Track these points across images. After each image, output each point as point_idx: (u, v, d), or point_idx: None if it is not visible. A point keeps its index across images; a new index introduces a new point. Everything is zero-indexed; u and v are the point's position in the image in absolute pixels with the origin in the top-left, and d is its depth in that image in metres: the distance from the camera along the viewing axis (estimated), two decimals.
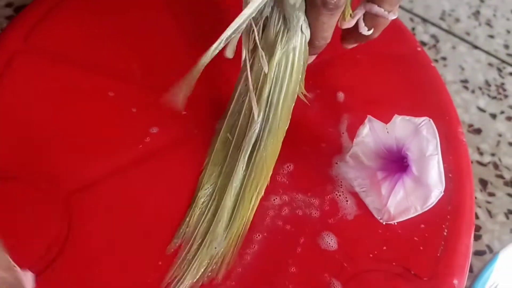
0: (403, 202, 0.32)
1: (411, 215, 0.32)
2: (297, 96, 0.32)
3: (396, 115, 0.33)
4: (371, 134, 0.34)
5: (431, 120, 0.32)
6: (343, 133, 0.37)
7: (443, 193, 0.32)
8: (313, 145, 0.35)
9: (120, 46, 0.38)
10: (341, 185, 0.34)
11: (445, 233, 0.33)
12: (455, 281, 0.31)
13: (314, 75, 0.39)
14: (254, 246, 0.30)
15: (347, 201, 0.33)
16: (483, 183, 0.54)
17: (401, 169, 0.33)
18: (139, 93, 0.36)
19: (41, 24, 0.38)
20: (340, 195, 0.33)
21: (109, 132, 0.34)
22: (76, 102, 0.35)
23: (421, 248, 0.32)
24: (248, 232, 0.31)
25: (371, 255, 0.31)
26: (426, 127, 0.32)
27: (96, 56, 0.37)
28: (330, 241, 0.31)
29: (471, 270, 0.42)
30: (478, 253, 0.49)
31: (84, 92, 0.36)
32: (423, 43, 0.63)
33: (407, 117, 0.33)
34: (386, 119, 0.34)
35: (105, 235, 0.29)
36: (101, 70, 0.37)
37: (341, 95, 0.38)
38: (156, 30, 0.40)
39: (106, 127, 0.34)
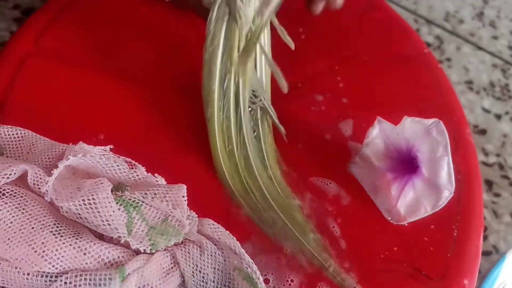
0: (413, 203, 0.32)
1: (421, 215, 0.32)
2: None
3: (405, 117, 0.33)
4: (381, 135, 0.34)
5: (441, 121, 0.32)
6: (352, 135, 0.37)
7: (453, 194, 0.32)
8: (322, 148, 0.36)
9: (128, 48, 0.39)
10: (351, 186, 0.34)
11: (455, 234, 0.33)
12: (466, 282, 0.31)
13: (322, 78, 0.40)
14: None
15: (357, 202, 0.34)
16: (489, 183, 0.54)
17: (410, 170, 0.33)
18: (148, 92, 0.36)
19: (51, 27, 0.39)
20: (350, 196, 0.34)
21: (120, 130, 0.34)
22: (86, 103, 0.35)
23: (432, 248, 0.32)
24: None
25: (382, 256, 0.31)
26: (436, 128, 0.32)
27: (105, 58, 0.38)
28: (341, 242, 0.32)
29: (478, 270, 0.42)
30: (485, 254, 0.49)
31: (94, 93, 0.36)
32: (428, 44, 0.63)
33: (417, 119, 0.33)
34: (394, 121, 0.34)
35: None
36: (110, 71, 0.37)
37: (349, 98, 0.39)
38: (163, 32, 0.40)
39: (117, 127, 0.34)
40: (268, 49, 0.33)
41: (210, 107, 0.31)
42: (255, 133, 0.32)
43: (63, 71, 0.37)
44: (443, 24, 0.65)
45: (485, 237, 0.50)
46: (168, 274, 0.25)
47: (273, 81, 0.34)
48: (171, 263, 0.26)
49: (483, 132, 0.58)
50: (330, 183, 0.34)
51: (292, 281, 0.29)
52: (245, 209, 0.31)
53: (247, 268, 0.26)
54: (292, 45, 0.32)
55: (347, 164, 0.35)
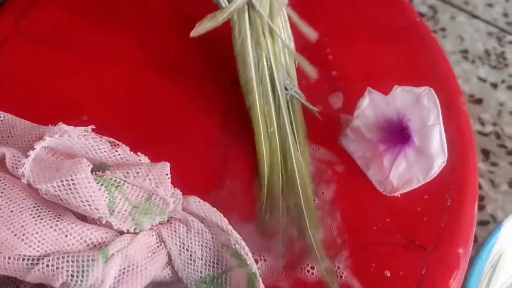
0: (405, 173, 0.32)
1: (414, 186, 0.32)
2: None
3: (396, 86, 0.33)
4: (371, 106, 0.33)
5: (432, 89, 0.32)
6: (342, 107, 0.36)
7: (445, 162, 0.31)
8: (312, 119, 0.35)
9: (110, 28, 0.38)
10: (342, 158, 0.34)
11: (448, 203, 0.32)
12: (460, 251, 0.31)
13: (311, 49, 0.39)
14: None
15: (348, 174, 0.33)
16: (485, 153, 0.53)
17: (402, 141, 0.32)
18: (130, 72, 0.36)
19: (30, 9, 0.38)
20: (341, 169, 0.33)
21: (104, 111, 0.33)
22: (68, 85, 0.35)
23: (425, 218, 0.31)
24: None
25: (374, 228, 0.31)
26: (427, 96, 0.31)
27: (87, 39, 0.37)
28: (332, 215, 0.31)
29: (475, 240, 0.42)
30: (482, 223, 0.48)
31: (77, 74, 0.35)
32: (421, 14, 0.62)
33: (407, 88, 0.32)
34: (386, 92, 0.33)
35: None
36: (93, 52, 0.36)
37: (339, 69, 0.38)
38: (147, 11, 0.39)
39: (101, 108, 0.34)
40: (288, 38, 0.34)
41: (251, 95, 0.32)
42: (290, 114, 0.33)
43: (44, 53, 0.36)
44: None
45: (483, 207, 0.50)
46: (154, 253, 0.25)
47: None
48: (156, 242, 0.25)
49: (479, 101, 0.57)
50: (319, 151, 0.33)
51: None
52: (262, 197, 0.31)
53: (235, 244, 0.26)
54: (313, 36, 0.35)
55: (337, 137, 0.35)
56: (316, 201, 0.31)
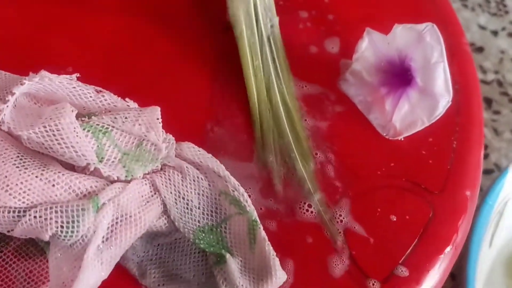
0: (408, 115, 0.30)
1: (418, 128, 0.30)
2: None
3: (396, 24, 0.31)
4: (371, 48, 0.32)
5: (434, 25, 0.30)
6: (340, 51, 0.34)
7: (450, 102, 0.30)
8: (312, 66, 0.33)
9: None
10: (343, 104, 0.32)
11: (454, 145, 0.31)
12: (468, 193, 0.29)
13: None
14: None
15: (350, 119, 0.31)
16: (488, 101, 0.52)
17: (405, 82, 0.31)
18: (116, 21, 0.34)
19: None
20: (342, 114, 0.32)
21: (90, 61, 0.32)
22: (52, 35, 0.33)
23: (430, 161, 0.30)
24: None
25: (379, 172, 0.30)
26: (430, 33, 0.30)
27: None
28: (334, 161, 0.30)
29: (481, 189, 0.41)
30: (486, 172, 0.48)
31: (60, 23, 0.33)
32: None
33: (409, 25, 0.31)
34: (386, 33, 0.31)
35: None
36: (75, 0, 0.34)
37: (335, 13, 0.36)
38: None
39: (87, 58, 0.32)
40: None
41: (239, 26, 0.32)
42: (272, 47, 0.33)
43: (24, 3, 0.34)
44: None
45: (486, 155, 0.49)
46: (148, 202, 0.24)
47: None
48: (150, 191, 0.24)
49: (480, 49, 0.56)
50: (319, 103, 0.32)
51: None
52: (257, 133, 0.30)
53: (233, 191, 0.25)
54: None
55: (337, 82, 0.33)
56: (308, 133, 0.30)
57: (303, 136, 0.30)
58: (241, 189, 0.25)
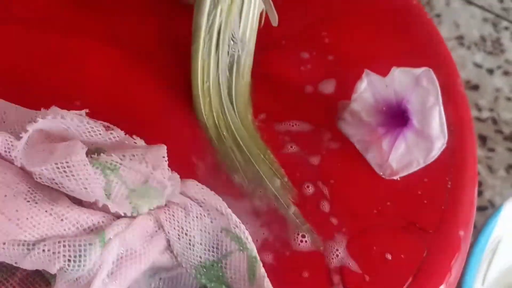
0: (405, 156, 0.31)
1: (414, 169, 0.31)
2: None
3: (394, 67, 0.32)
4: (369, 89, 0.33)
5: (431, 70, 0.31)
6: (340, 92, 0.36)
7: (445, 144, 0.31)
8: (311, 104, 0.34)
9: (100, 10, 0.37)
10: (341, 143, 0.33)
11: (449, 186, 0.32)
12: (461, 233, 0.30)
13: (307, 35, 0.38)
14: None
15: (347, 158, 0.33)
16: (483, 138, 0.53)
17: (401, 123, 0.32)
18: (121, 56, 0.35)
19: None
20: (339, 153, 0.33)
21: (97, 94, 0.33)
22: (60, 68, 0.34)
23: (425, 201, 0.31)
24: None
25: (375, 211, 0.30)
26: (426, 77, 0.31)
27: (74, 19, 0.36)
28: (330, 199, 0.31)
29: (474, 226, 0.41)
30: (480, 209, 0.48)
31: (67, 57, 0.34)
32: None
33: (406, 69, 0.32)
34: (384, 74, 0.33)
35: None
36: (81, 33, 0.36)
37: (336, 52, 0.37)
38: None
39: (94, 91, 0.33)
40: None
41: (196, 42, 0.31)
42: (233, 75, 0.33)
43: (32, 35, 0.35)
44: None
45: (481, 193, 0.49)
46: (152, 237, 0.24)
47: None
48: (155, 227, 0.25)
49: (475, 87, 0.57)
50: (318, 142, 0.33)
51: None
52: (219, 155, 0.31)
53: (234, 228, 0.25)
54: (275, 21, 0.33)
55: (335, 121, 0.34)
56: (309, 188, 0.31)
57: (266, 156, 0.31)
58: (242, 226, 0.26)
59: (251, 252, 0.25)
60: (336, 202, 0.31)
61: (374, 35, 0.38)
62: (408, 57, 0.37)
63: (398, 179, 0.32)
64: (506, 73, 0.60)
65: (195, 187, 0.26)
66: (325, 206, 0.30)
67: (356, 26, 0.39)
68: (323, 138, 0.33)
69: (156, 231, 0.25)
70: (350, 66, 0.36)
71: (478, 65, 0.58)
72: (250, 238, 0.26)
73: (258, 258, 0.25)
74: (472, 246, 0.37)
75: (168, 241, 0.25)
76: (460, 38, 0.61)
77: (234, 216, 0.26)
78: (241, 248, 0.25)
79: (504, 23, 0.62)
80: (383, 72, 0.33)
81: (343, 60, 0.37)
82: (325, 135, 0.33)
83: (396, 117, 0.32)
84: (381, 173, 0.32)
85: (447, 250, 0.30)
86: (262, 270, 0.25)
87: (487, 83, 0.58)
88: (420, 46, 0.38)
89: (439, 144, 0.31)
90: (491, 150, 0.52)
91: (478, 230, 0.40)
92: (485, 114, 0.55)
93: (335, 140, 0.33)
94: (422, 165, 0.31)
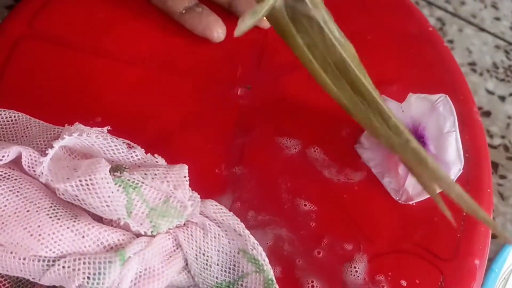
0: None
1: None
2: None
3: (410, 94, 0.33)
4: None
5: (447, 96, 0.32)
6: None
7: (462, 170, 0.31)
8: (331, 129, 0.35)
9: (124, 29, 0.38)
10: (357, 167, 0.33)
11: (464, 213, 0.32)
12: (477, 261, 0.30)
13: None
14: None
15: (363, 183, 0.33)
16: (494, 166, 0.53)
17: None
18: (142, 73, 0.35)
19: (44, 9, 0.37)
20: (356, 177, 0.33)
21: (117, 112, 0.33)
22: (82, 85, 0.34)
23: (441, 228, 0.31)
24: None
25: (390, 237, 0.30)
26: (443, 103, 0.31)
27: (100, 39, 0.37)
28: (347, 224, 0.31)
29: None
30: (492, 237, 0.48)
31: (90, 75, 0.35)
32: None
33: (423, 95, 0.32)
34: (399, 100, 0.33)
35: None
36: (106, 52, 0.36)
37: None
38: (160, 12, 0.39)
39: (115, 109, 0.33)
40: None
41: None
42: None
43: (58, 53, 0.36)
44: (445, 6, 0.64)
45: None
46: (170, 257, 0.24)
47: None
48: (173, 246, 0.25)
49: (487, 114, 0.57)
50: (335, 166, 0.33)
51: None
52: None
53: (252, 250, 0.26)
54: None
55: (353, 146, 0.34)
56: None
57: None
58: (260, 248, 0.26)
59: (268, 275, 0.25)
60: (352, 227, 0.31)
61: (390, 61, 0.39)
62: (424, 84, 0.38)
63: (414, 204, 0.32)
64: None
65: (214, 207, 0.26)
66: (341, 231, 0.30)
67: (371, 52, 0.39)
68: (342, 162, 0.33)
69: (174, 251, 0.25)
70: None
71: (490, 92, 0.59)
72: (267, 260, 0.26)
73: (275, 281, 0.25)
74: (486, 274, 0.36)
75: (185, 260, 0.25)
76: (472, 64, 0.61)
77: (252, 238, 0.26)
78: (258, 270, 0.25)
79: None
80: (399, 98, 0.33)
81: None
82: (343, 159, 0.33)
83: None
84: (397, 198, 0.32)
85: (463, 279, 0.30)
86: None
87: (499, 110, 0.58)
88: (436, 73, 0.39)
89: (456, 169, 0.31)
90: (503, 177, 0.52)
91: (491, 259, 0.40)
92: (497, 141, 0.55)
93: (352, 164, 0.33)
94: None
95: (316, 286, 0.28)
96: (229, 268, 0.25)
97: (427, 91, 0.33)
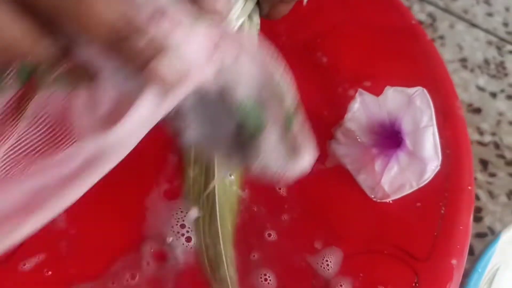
0: (397, 178, 0.30)
1: (407, 191, 0.30)
2: None
3: (387, 87, 0.31)
4: (363, 108, 0.32)
5: (424, 89, 0.30)
6: (334, 111, 0.35)
7: (439, 167, 0.30)
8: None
9: None
10: (331, 164, 0.32)
11: (442, 212, 0.31)
12: (454, 261, 0.29)
13: (305, 50, 0.37)
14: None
15: (338, 180, 0.31)
16: (484, 163, 0.52)
17: (395, 144, 0.31)
18: None
19: None
20: (330, 175, 0.32)
21: None
22: None
23: (417, 227, 0.30)
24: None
25: (364, 236, 0.29)
26: (420, 97, 0.30)
27: None
28: (320, 222, 0.29)
29: (472, 253, 0.40)
30: (480, 235, 0.47)
31: None
32: (420, 22, 0.61)
33: (400, 88, 0.31)
34: (379, 93, 0.32)
35: None
36: None
37: (331, 71, 0.36)
38: None
39: None
40: None
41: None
42: None
43: None
44: (436, 1, 0.63)
45: (481, 219, 0.48)
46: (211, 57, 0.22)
47: None
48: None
49: (478, 110, 0.56)
50: None
51: None
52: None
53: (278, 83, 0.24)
54: None
55: (326, 141, 0.33)
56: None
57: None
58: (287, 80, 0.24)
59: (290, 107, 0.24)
60: (323, 226, 0.29)
61: (371, 54, 0.38)
62: (405, 78, 0.36)
63: (390, 202, 0.31)
64: (509, 97, 0.58)
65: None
66: (311, 229, 0.29)
67: (352, 45, 0.38)
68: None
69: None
70: (345, 85, 0.35)
71: (481, 88, 0.57)
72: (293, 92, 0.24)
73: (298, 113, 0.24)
74: (468, 275, 0.35)
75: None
76: (463, 61, 0.60)
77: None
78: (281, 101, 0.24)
79: (508, 47, 0.62)
80: (378, 92, 0.32)
81: (338, 79, 0.36)
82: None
83: (390, 138, 0.31)
84: (373, 196, 0.31)
85: (438, 280, 0.28)
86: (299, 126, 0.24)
87: (490, 107, 0.57)
88: (418, 66, 0.37)
89: (433, 166, 0.30)
90: (493, 175, 0.51)
91: (475, 259, 0.39)
92: (487, 138, 0.54)
93: (325, 160, 0.32)
94: (415, 187, 0.30)
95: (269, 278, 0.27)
96: (257, 89, 0.24)
97: (407, 85, 0.32)
